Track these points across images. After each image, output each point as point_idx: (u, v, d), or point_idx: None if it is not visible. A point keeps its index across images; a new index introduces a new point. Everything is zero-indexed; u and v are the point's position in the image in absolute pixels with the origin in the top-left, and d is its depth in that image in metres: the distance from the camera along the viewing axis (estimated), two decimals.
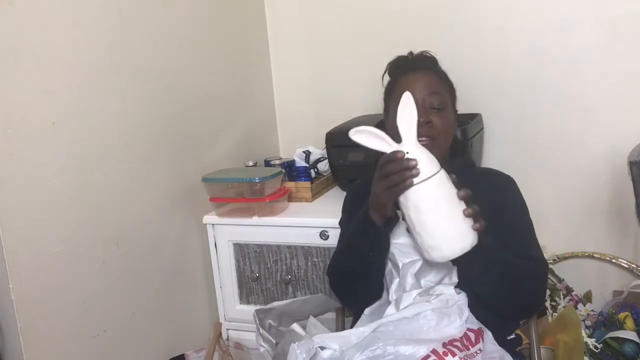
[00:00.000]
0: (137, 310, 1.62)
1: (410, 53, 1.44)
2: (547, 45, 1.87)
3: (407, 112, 1.05)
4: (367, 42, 2.08)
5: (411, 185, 1.02)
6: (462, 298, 1.15)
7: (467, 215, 1.02)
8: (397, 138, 1.10)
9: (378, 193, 1.11)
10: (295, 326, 1.24)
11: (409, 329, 1.11)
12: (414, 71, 1.33)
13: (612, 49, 1.81)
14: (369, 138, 1.06)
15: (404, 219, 1.10)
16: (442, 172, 1.03)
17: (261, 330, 1.34)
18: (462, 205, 1.03)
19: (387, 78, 1.43)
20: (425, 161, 1.02)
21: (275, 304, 1.45)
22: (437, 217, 1.02)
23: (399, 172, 1.03)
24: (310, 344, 1.09)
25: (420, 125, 1.23)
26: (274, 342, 1.30)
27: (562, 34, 1.85)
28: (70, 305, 1.42)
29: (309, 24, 2.20)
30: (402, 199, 1.05)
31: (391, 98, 1.35)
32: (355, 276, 1.24)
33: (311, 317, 1.37)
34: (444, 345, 1.06)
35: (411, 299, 1.15)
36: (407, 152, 1.03)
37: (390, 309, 1.17)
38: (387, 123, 1.39)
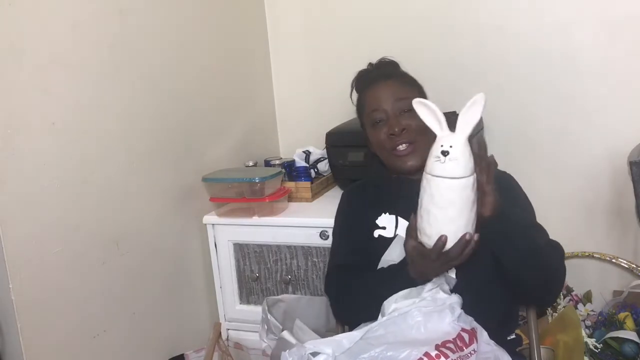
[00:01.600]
0: (137, 310, 1.62)
1: (370, 64, 1.44)
2: (547, 46, 1.87)
3: (472, 112, 1.03)
4: (367, 42, 2.08)
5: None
6: (454, 299, 1.14)
7: (466, 239, 1.06)
8: (382, 153, 1.25)
9: (431, 271, 1.14)
10: (286, 334, 1.24)
11: (400, 329, 1.10)
12: (375, 83, 1.34)
13: (612, 49, 1.81)
14: (428, 114, 1.07)
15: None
16: (471, 179, 1.04)
17: (269, 316, 1.33)
18: (471, 216, 1.06)
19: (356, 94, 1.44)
20: (463, 162, 1.02)
21: (285, 296, 1.46)
22: (443, 215, 1.05)
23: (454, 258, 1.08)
24: (302, 350, 1.08)
25: (396, 135, 1.26)
26: (282, 327, 1.30)
27: (562, 34, 1.85)
28: (70, 305, 1.42)
29: (308, 24, 2.20)
30: (424, 181, 1.06)
31: (363, 115, 1.36)
32: (369, 309, 1.21)
33: (297, 320, 1.37)
34: (437, 347, 1.04)
35: (392, 302, 1.15)
36: (451, 146, 1.02)
37: (379, 318, 1.16)
38: (367, 140, 1.38)
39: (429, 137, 1.27)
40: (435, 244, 1.06)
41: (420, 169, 1.28)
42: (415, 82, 1.37)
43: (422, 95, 1.36)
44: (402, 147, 1.28)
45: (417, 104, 1.08)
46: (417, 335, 1.08)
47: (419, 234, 1.11)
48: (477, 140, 1.07)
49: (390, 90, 1.31)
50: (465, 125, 1.03)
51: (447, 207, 1.04)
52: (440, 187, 1.03)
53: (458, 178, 1.02)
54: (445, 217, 1.05)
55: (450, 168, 1.02)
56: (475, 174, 1.05)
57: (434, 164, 1.04)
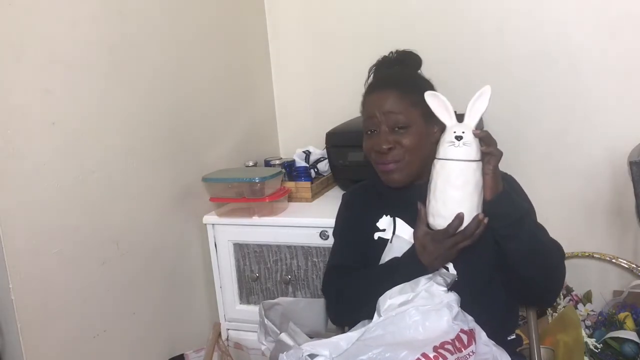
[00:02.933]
0: (137, 310, 1.62)
1: (392, 53, 1.41)
2: (547, 46, 1.88)
3: (480, 102, 1.13)
4: (367, 42, 2.08)
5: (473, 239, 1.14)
6: (452, 296, 1.14)
7: (480, 219, 1.12)
8: (370, 161, 1.30)
9: (443, 254, 1.15)
10: (284, 336, 1.24)
11: (398, 329, 1.09)
12: (377, 89, 1.29)
13: (612, 49, 1.81)
14: (439, 106, 1.16)
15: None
16: (480, 164, 1.13)
17: (266, 321, 1.33)
18: (480, 199, 1.13)
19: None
20: (475, 146, 1.11)
21: (282, 299, 1.45)
22: (458, 194, 1.11)
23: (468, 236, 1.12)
24: (299, 352, 1.08)
25: (382, 152, 1.25)
26: (279, 332, 1.30)
27: (562, 34, 1.85)
28: (70, 305, 1.42)
29: (309, 24, 2.20)
30: (437, 166, 1.13)
31: (363, 118, 1.33)
32: (369, 306, 1.21)
33: (291, 323, 1.36)
34: (435, 349, 1.04)
35: (387, 298, 1.15)
36: (463, 132, 1.11)
37: (375, 317, 1.16)
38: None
39: (419, 154, 1.26)
40: (453, 221, 1.11)
41: (404, 184, 1.28)
42: (417, 91, 1.24)
43: (423, 105, 1.24)
44: (387, 164, 1.26)
45: (429, 96, 1.17)
46: (416, 335, 1.08)
47: (431, 218, 1.15)
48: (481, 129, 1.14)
49: (388, 100, 1.26)
50: (474, 114, 1.13)
51: (462, 187, 1.11)
52: (456, 169, 1.11)
53: (471, 160, 1.11)
54: (461, 197, 1.11)
55: (465, 151, 1.11)
56: (481, 161, 1.12)
57: (448, 148, 1.12)
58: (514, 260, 1.17)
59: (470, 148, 1.11)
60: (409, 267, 1.18)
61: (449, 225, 1.11)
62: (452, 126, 1.14)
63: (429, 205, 1.15)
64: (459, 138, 1.11)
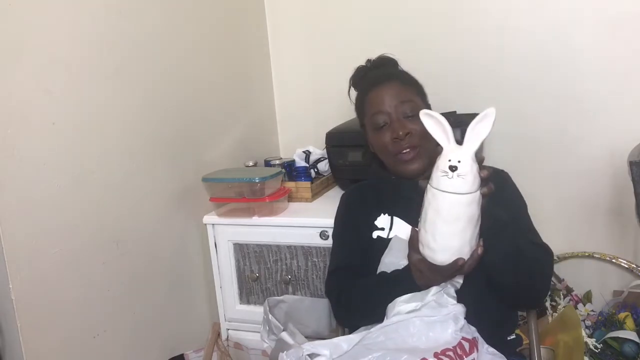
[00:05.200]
0: (137, 310, 1.62)
1: (368, 60, 1.43)
2: (547, 45, 1.87)
3: (483, 125, 1.01)
4: (367, 41, 2.08)
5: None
6: (458, 308, 1.11)
7: (479, 252, 1.06)
8: (385, 157, 1.27)
9: (438, 282, 1.12)
10: (284, 335, 1.24)
11: (400, 336, 1.08)
12: (376, 85, 1.32)
13: (612, 49, 1.81)
14: (435, 126, 1.04)
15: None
16: (477, 194, 1.01)
17: (271, 317, 1.33)
18: (475, 231, 1.04)
19: (355, 91, 1.44)
20: (471, 177, 0.99)
21: (287, 297, 1.45)
22: (448, 229, 1.03)
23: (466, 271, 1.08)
24: (300, 352, 1.08)
25: (400, 139, 1.25)
26: (283, 328, 1.30)
27: (562, 34, 1.85)
28: (70, 305, 1.42)
29: (309, 23, 2.20)
30: (429, 194, 1.03)
31: (364, 116, 1.34)
32: (369, 314, 1.20)
33: (290, 325, 1.36)
34: (436, 355, 1.03)
35: (396, 305, 1.14)
36: (459, 162, 0.99)
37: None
38: (367, 140, 1.37)
39: (431, 139, 1.26)
40: (452, 266, 1.05)
41: (423, 172, 1.27)
42: (415, 82, 1.36)
43: (422, 94, 1.35)
44: (406, 152, 1.27)
45: (424, 115, 1.05)
46: (418, 344, 1.07)
47: (421, 247, 1.08)
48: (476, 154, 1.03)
49: (392, 92, 1.29)
50: (475, 139, 1.01)
51: (453, 222, 1.02)
52: (447, 202, 1.00)
53: (465, 194, 1.00)
54: (451, 232, 1.03)
55: (459, 184, 0.99)
56: (480, 190, 1.01)
57: (441, 178, 1.00)
58: (488, 269, 1.14)
59: (465, 180, 0.98)
60: (407, 284, 1.15)
61: (449, 266, 1.06)
62: (447, 152, 1.01)
63: (420, 233, 1.08)
64: (452, 168, 0.98)
